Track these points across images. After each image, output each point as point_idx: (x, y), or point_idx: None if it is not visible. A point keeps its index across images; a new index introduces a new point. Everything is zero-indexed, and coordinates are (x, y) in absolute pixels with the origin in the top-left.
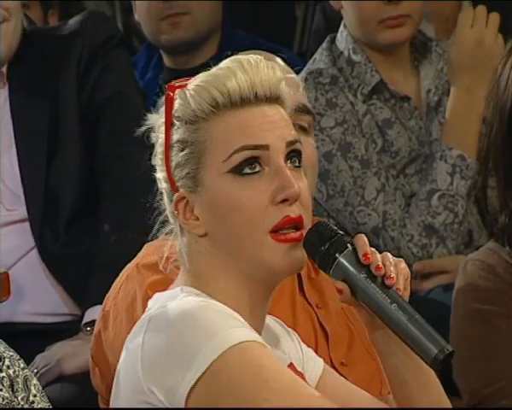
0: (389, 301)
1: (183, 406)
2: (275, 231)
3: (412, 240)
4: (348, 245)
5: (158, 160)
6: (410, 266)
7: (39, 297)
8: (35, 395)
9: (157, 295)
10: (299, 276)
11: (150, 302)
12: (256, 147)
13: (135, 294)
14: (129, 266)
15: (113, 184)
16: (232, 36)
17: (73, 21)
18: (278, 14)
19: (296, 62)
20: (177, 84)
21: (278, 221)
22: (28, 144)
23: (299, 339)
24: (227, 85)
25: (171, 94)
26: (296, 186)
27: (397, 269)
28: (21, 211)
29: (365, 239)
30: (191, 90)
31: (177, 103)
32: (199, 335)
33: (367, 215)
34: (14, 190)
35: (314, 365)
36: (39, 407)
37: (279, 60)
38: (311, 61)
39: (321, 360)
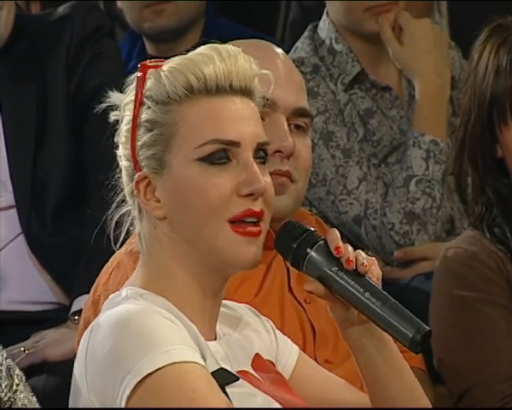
0: (362, 289)
1: None
2: (234, 221)
3: (393, 228)
4: (320, 240)
5: (122, 137)
6: (391, 253)
7: (25, 285)
8: (18, 384)
9: (111, 295)
10: (288, 272)
11: (105, 303)
12: (228, 142)
13: (126, 280)
14: (119, 251)
15: (100, 174)
16: (215, 24)
17: (63, 9)
18: (261, 2)
19: None
20: (151, 64)
21: (239, 212)
22: (16, 132)
23: (274, 327)
24: (204, 71)
25: (143, 73)
26: (263, 183)
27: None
28: (8, 198)
29: (337, 233)
30: (166, 72)
31: (149, 83)
32: (137, 347)
33: (349, 204)
34: (1, 178)
35: (289, 353)
36: (22, 395)
37: (280, 50)
38: (292, 49)
39: (296, 348)
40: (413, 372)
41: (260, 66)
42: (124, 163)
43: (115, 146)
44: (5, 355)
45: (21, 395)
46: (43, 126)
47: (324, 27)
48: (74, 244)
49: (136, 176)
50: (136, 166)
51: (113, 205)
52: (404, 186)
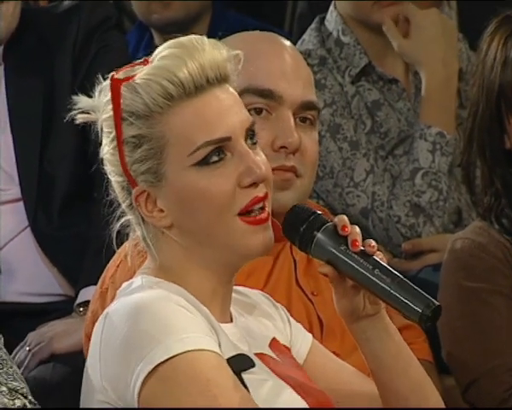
0: (371, 267)
1: (133, 405)
2: (243, 213)
3: (400, 221)
4: (327, 223)
5: (108, 155)
6: (399, 246)
7: (32, 277)
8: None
9: (125, 283)
10: (295, 265)
11: (119, 291)
12: (220, 140)
13: (134, 273)
14: (126, 244)
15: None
16: (223, 16)
17: (69, 2)
18: None
19: None
20: (122, 76)
21: (247, 203)
22: (23, 125)
23: (288, 314)
24: (179, 76)
25: (117, 88)
26: (263, 168)
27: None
28: (15, 191)
29: (345, 217)
30: (141, 84)
31: (127, 98)
32: (152, 335)
33: (356, 196)
34: (8, 171)
35: (302, 340)
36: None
37: (288, 43)
38: (299, 42)
39: (310, 336)
40: (420, 364)
41: (268, 59)
42: (115, 179)
43: (101, 162)
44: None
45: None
46: (50, 120)
47: (332, 19)
48: (80, 238)
49: (134, 191)
50: (131, 182)
51: (114, 219)
52: (410, 179)
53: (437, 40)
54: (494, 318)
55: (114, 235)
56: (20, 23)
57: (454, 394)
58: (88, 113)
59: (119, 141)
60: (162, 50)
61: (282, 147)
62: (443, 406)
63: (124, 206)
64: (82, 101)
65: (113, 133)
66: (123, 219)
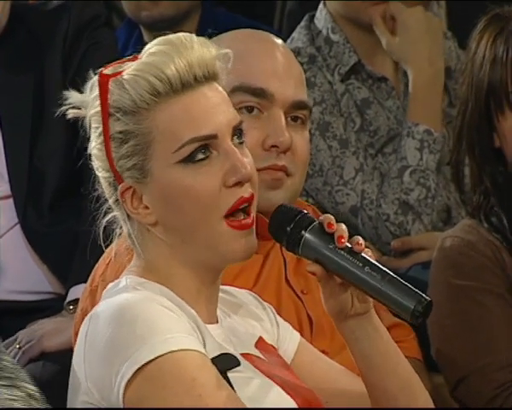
0: (361, 264)
1: (118, 406)
2: (229, 215)
3: (389, 219)
4: (314, 221)
5: (95, 150)
6: (388, 244)
7: (21, 275)
8: None
9: (110, 284)
10: (285, 263)
11: (104, 291)
12: (206, 137)
13: (124, 270)
14: (116, 243)
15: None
16: (212, 13)
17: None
18: None
19: None
20: (110, 71)
21: (233, 203)
22: (13, 122)
23: (276, 314)
24: (166, 72)
25: (105, 83)
26: (248, 167)
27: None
28: (4, 188)
29: (330, 215)
30: (129, 80)
31: (114, 93)
32: (136, 336)
33: (345, 195)
34: None
35: (290, 339)
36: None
37: (280, 41)
38: (289, 40)
39: (297, 334)
40: (409, 363)
41: (260, 58)
42: (102, 174)
43: (89, 157)
44: None
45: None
46: (40, 116)
47: (321, 17)
48: (71, 235)
49: (120, 187)
50: (117, 177)
51: (100, 216)
52: (399, 177)
53: (422, 38)
54: (484, 316)
55: (101, 231)
56: (9, 20)
57: (443, 392)
58: (78, 108)
59: (106, 136)
60: (151, 47)
61: (273, 146)
62: (431, 404)
63: (110, 202)
64: (72, 96)
65: (101, 128)
66: (109, 216)
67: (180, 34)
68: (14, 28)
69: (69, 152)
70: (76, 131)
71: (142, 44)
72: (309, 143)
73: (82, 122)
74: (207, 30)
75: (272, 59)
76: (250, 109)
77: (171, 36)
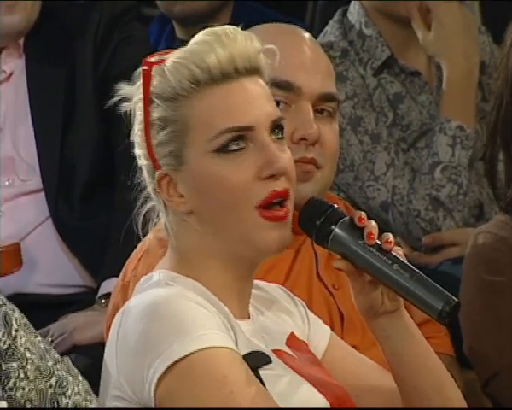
0: (390, 261)
1: (149, 401)
2: (262, 206)
3: (419, 215)
4: (344, 217)
5: (137, 137)
6: (419, 240)
7: (53, 268)
8: (17, 330)
9: (143, 278)
10: (316, 258)
11: (136, 286)
12: (241, 128)
13: (155, 266)
14: (148, 237)
15: (127, 160)
16: (244, 7)
17: None
18: None
19: None
20: (154, 59)
21: (265, 196)
22: (44, 115)
23: (307, 309)
24: (207, 61)
25: (148, 70)
26: (282, 162)
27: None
28: (36, 181)
29: (362, 212)
30: (170, 67)
31: (155, 80)
32: (168, 332)
33: (376, 190)
34: (28, 161)
35: (321, 334)
36: (23, 339)
37: (307, 34)
38: (321, 34)
39: (328, 329)
40: (441, 358)
41: (287, 52)
42: (143, 162)
43: (132, 145)
44: (0, 303)
45: (22, 340)
46: (72, 109)
47: (354, 11)
48: (102, 228)
49: (157, 174)
50: (154, 164)
51: (139, 203)
52: (430, 173)
53: (458, 33)
54: None
55: (140, 219)
56: (40, 13)
57: (475, 388)
58: (129, 100)
59: (147, 122)
60: (196, 37)
61: (301, 139)
62: (464, 402)
63: (149, 189)
64: (123, 88)
65: (142, 115)
66: (148, 205)
67: (226, 27)
68: (46, 22)
69: (100, 145)
70: (107, 124)
71: (174, 39)
72: (338, 135)
73: (114, 113)
74: (239, 24)
75: (299, 52)
76: (277, 103)
77: (217, 28)
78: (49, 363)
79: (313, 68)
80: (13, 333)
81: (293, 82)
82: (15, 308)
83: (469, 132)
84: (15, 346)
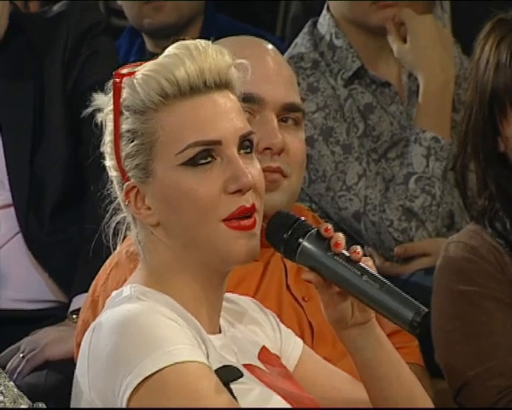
0: (359, 272)
1: None
2: (228, 219)
3: (392, 225)
4: (311, 229)
5: (107, 148)
6: (391, 250)
7: (24, 283)
8: None
9: (114, 293)
10: (286, 270)
11: (107, 301)
12: (209, 142)
13: (125, 281)
14: (117, 252)
15: (97, 172)
16: (215, 20)
17: (58, 7)
18: None
19: (278, 47)
20: (125, 71)
21: (232, 211)
22: (13, 131)
23: (278, 320)
24: (175, 74)
25: (119, 82)
26: (249, 176)
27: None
28: (6, 196)
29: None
30: (139, 80)
31: (125, 92)
32: (140, 347)
33: (348, 200)
34: None
35: (293, 347)
36: None
37: (270, 46)
38: (292, 45)
39: (300, 342)
40: (412, 369)
41: (250, 64)
42: (113, 173)
43: (102, 156)
44: None
45: None
46: (41, 125)
47: (324, 23)
48: (72, 243)
49: (125, 186)
50: (123, 176)
51: (108, 215)
52: (404, 183)
53: (434, 45)
54: (486, 321)
55: (111, 232)
56: (8, 29)
57: (447, 397)
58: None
59: (116, 134)
60: (167, 50)
61: (266, 148)
62: None
63: (120, 201)
64: (98, 98)
65: (112, 126)
66: (118, 217)
67: (197, 40)
68: (13, 38)
69: (70, 159)
70: (77, 139)
71: (144, 52)
72: (304, 143)
73: (83, 127)
74: (209, 37)
75: (262, 64)
76: None
77: (189, 41)
78: (22, 407)
79: (276, 79)
80: None
81: (257, 93)
82: None
83: (444, 144)
84: None
